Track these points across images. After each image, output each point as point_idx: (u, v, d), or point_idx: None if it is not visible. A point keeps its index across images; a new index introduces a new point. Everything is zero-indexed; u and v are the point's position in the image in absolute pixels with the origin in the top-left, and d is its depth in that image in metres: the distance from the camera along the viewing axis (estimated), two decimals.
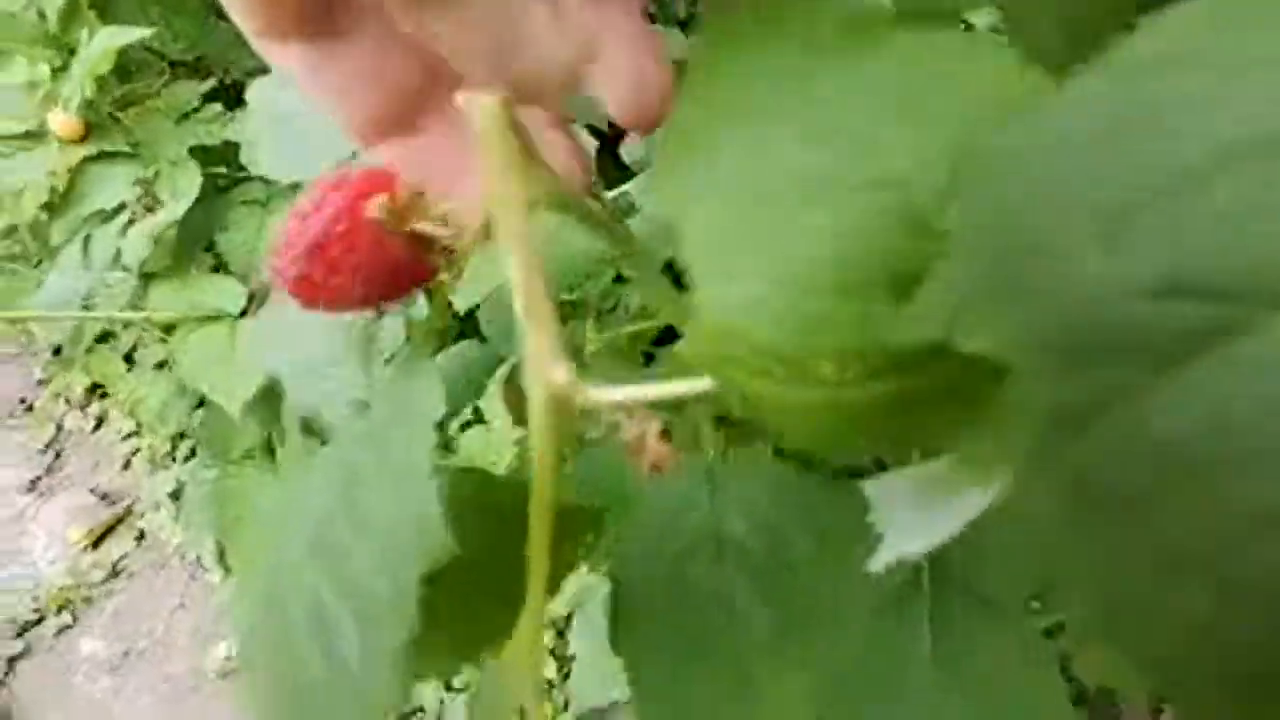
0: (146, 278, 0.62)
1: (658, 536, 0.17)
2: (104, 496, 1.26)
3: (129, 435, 1.30)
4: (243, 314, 0.59)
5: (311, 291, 0.13)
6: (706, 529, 0.16)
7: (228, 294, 0.60)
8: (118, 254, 0.62)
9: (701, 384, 0.11)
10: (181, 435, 1.17)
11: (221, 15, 0.14)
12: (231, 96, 0.73)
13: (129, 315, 0.59)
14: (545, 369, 0.11)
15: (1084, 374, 0.08)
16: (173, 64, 0.78)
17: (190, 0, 0.77)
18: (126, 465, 1.28)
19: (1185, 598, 0.08)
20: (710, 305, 0.11)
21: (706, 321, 0.10)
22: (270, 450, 0.65)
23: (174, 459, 1.22)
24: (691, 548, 0.16)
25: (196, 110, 0.70)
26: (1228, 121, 0.09)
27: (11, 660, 1.09)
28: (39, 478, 1.30)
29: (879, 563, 0.12)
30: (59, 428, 1.34)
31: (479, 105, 0.11)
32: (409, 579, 0.09)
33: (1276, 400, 0.08)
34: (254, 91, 0.46)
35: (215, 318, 0.59)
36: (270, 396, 0.57)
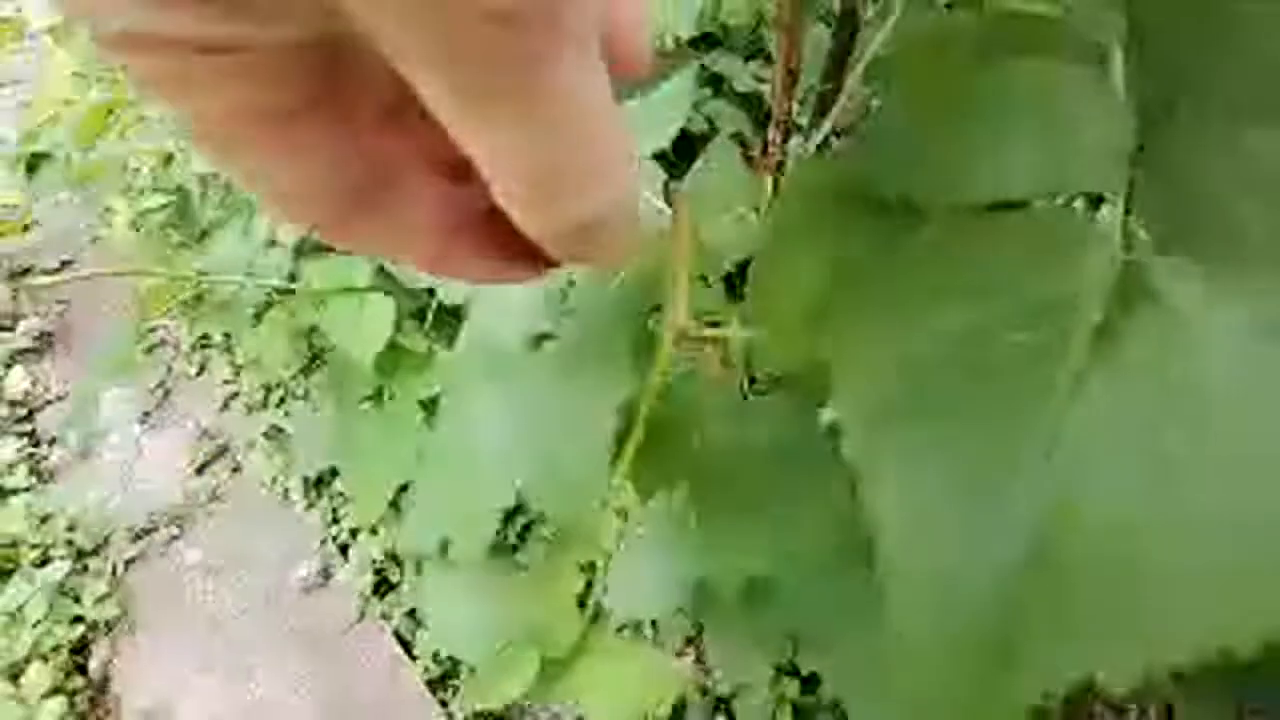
0: (297, 252, 0.77)
1: (719, 435, 0.30)
2: (205, 432, 1.45)
3: (227, 381, 1.49)
4: (369, 287, 0.75)
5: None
6: (743, 431, 0.29)
7: (359, 271, 0.75)
8: (272, 232, 0.78)
9: (746, 333, 0.25)
10: (277, 384, 1.35)
11: None
12: None
13: (286, 284, 0.75)
14: (678, 314, 0.24)
15: None
16: None
17: None
18: (225, 407, 1.47)
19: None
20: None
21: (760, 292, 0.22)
22: (380, 399, 0.81)
23: (267, 404, 1.41)
24: (735, 438, 0.30)
25: None
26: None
27: (129, 561, 1.30)
28: (150, 412, 1.50)
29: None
30: (169, 370, 1.55)
31: (679, 197, 0.24)
32: (608, 410, 0.23)
33: None
34: None
35: (349, 290, 0.74)
36: (391, 354, 0.73)
